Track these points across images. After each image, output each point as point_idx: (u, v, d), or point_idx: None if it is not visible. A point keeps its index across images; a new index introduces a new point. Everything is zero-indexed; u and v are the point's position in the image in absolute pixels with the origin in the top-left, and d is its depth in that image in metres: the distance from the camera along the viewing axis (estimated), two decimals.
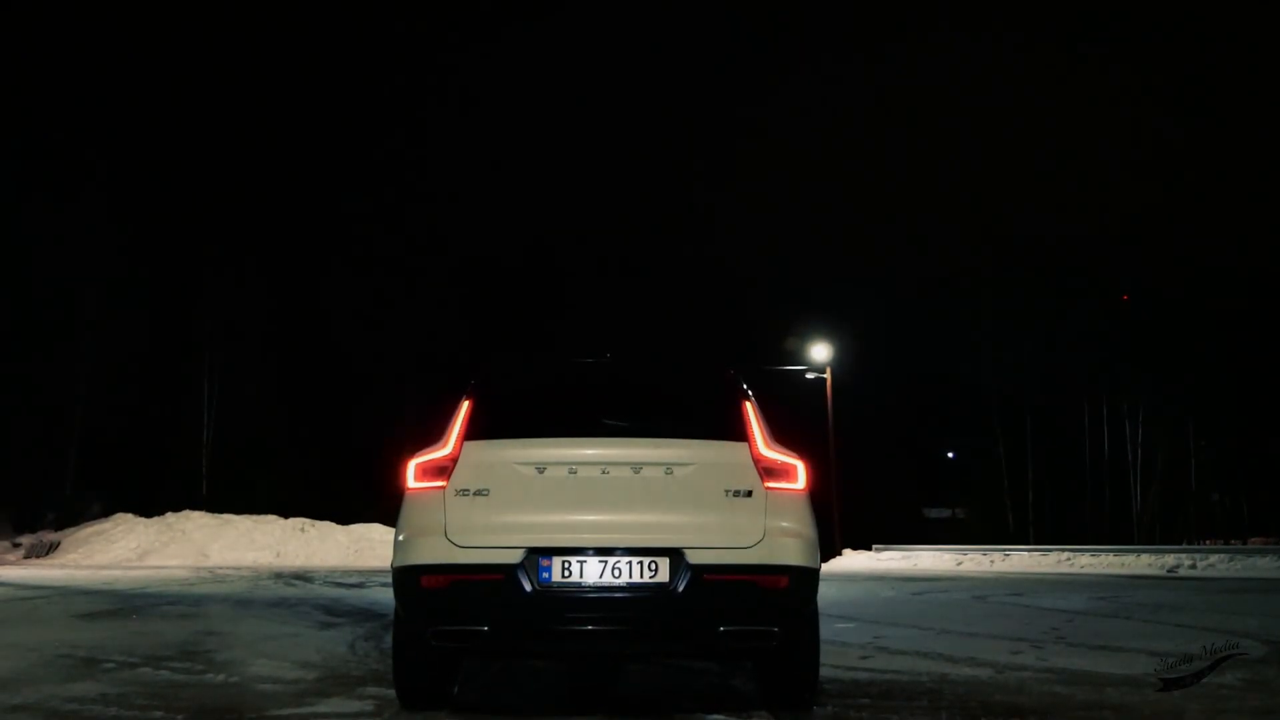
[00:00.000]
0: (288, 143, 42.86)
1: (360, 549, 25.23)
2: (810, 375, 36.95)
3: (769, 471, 5.09)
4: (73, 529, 25.67)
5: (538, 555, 4.86)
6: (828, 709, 5.24)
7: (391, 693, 5.43)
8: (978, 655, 7.27)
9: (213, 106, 42.01)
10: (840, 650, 7.42)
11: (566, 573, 4.85)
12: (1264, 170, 41.51)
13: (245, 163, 40.54)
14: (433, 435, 5.36)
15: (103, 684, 5.90)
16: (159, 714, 5.04)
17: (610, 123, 63.99)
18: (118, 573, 18.24)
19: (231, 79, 43.99)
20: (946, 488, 51.09)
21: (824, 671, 5.63)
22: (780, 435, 5.41)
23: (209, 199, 39.10)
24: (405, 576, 5.02)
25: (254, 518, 25.91)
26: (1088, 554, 24.94)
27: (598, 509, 4.97)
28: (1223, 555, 22.67)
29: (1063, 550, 26.03)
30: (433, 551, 4.94)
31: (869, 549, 31.04)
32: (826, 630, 5.89)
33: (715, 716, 5.10)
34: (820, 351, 37.20)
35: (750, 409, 5.32)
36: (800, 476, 5.17)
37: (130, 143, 37.66)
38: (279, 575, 18.14)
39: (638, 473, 5.01)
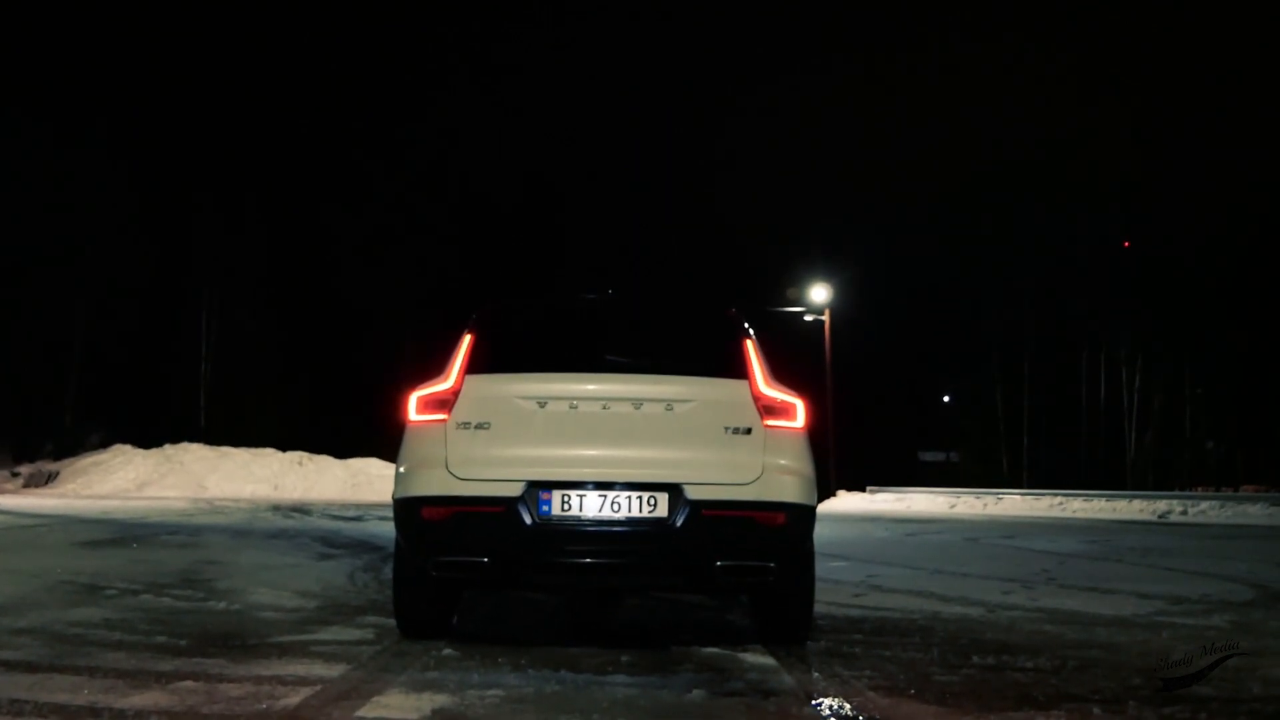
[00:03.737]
0: (288, 77, 42.45)
1: (358, 483, 25.42)
2: (809, 317, 36.94)
3: (768, 409, 5.10)
4: (71, 459, 25.84)
5: (538, 489, 4.88)
6: (821, 644, 5.31)
7: (391, 622, 5.49)
8: (969, 595, 7.36)
9: (215, 42, 41.59)
10: (834, 588, 7.50)
11: (566, 506, 4.88)
12: (1267, 114, 41.17)
13: (245, 97, 40.21)
14: (432, 370, 5.36)
15: (105, 610, 5.95)
16: (162, 639, 5.09)
17: (610, 72, 63.57)
18: (116, 503, 18.38)
19: (234, 15, 43.53)
20: (941, 431, 51.25)
21: (818, 608, 5.69)
22: (778, 376, 5.42)
23: (209, 133, 38.84)
24: (406, 508, 5.05)
25: (252, 450, 26.06)
26: (1080, 498, 25.11)
27: (598, 444, 4.99)
28: (1214, 502, 22.76)
29: (1055, 494, 26.22)
30: (434, 483, 4.96)
31: (863, 490, 31.27)
32: (821, 568, 5.95)
33: (711, 649, 5.15)
34: (819, 293, 37.16)
35: (751, 347, 5.32)
36: (799, 415, 5.18)
37: (131, 76, 37.31)
38: (277, 507, 18.29)
39: (638, 408, 5.02)
